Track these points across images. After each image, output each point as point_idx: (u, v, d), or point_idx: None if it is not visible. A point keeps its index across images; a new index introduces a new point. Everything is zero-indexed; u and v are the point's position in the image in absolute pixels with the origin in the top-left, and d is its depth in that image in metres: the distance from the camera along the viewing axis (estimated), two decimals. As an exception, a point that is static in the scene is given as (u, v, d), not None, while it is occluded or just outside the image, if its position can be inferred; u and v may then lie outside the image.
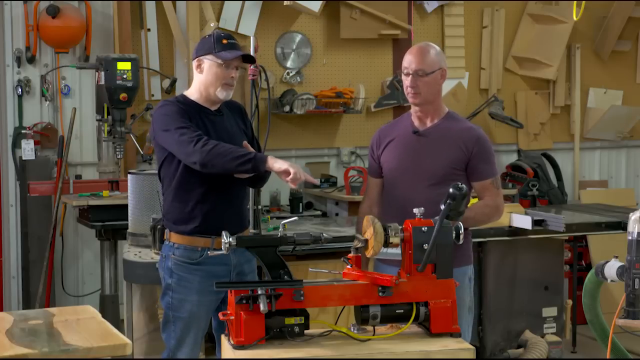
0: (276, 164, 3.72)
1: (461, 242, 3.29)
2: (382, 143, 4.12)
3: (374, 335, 3.26)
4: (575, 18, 6.28)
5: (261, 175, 3.94)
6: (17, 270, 6.58)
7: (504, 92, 7.59)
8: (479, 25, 7.57)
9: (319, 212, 6.76)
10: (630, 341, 3.93)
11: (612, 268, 3.25)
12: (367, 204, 4.22)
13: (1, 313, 3.47)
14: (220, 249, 3.34)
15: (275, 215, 6.37)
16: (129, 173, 4.95)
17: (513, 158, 7.74)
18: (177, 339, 3.96)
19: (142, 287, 4.76)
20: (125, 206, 5.00)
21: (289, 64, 7.10)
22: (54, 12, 6.31)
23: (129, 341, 3.04)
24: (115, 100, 5.81)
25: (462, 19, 7.46)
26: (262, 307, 3.09)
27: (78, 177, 6.51)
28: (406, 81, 4.00)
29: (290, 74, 7.07)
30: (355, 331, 3.26)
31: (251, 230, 4.72)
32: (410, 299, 3.25)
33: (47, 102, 6.54)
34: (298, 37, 7.11)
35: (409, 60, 4.00)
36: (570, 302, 5.78)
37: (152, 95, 6.75)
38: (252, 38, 4.89)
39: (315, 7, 6.78)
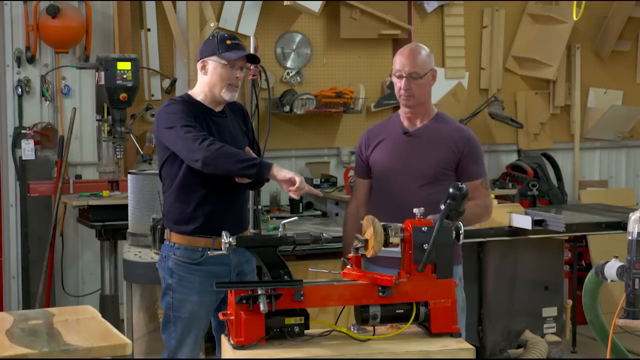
0: (281, 173, 3.71)
1: (461, 242, 3.29)
2: (371, 144, 4.13)
3: (374, 335, 3.26)
4: (575, 18, 6.28)
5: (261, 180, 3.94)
6: (17, 270, 6.58)
7: (504, 92, 7.59)
8: (479, 25, 7.57)
9: (319, 212, 6.76)
10: (630, 341, 3.93)
11: (612, 268, 3.25)
12: (355, 205, 4.23)
13: (1, 313, 3.47)
14: (221, 249, 3.34)
15: (275, 215, 6.37)
16: (129, 173, 4.96)
17: (513, 158, 7.74)
18: (177, 339, 3.96)
19: (142, 287, 4.76)
20: (125, 206, 5.00)
21: (289, 64, 7.10)
22: (54, 12, 6.31)
23: (129, 341, 3.05)
24: (115, 100, 5.81)
25: (462, 19, 7.45)
26: (262, 307, 3.09)
27: (78, 177, 6.51)
28: (399, 83, 4.00)
29: (290, 74, 7.07)
30: (355, 331, 3.26)
31: (251, 230, 4.72)
32: (410, 299, 3.25)
33: (47, 102, 6.54)
34: (298, 37, 7.11)
35: (401, 63, 4.00)
36: (570, 302, 5.79)
37: (152, 95, 6.74)
38: (252, 38, 4.90)
39: (315, 7, 6.78)
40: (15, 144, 6.50)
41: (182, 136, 3.78)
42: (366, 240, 3.27)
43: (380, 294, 3.22)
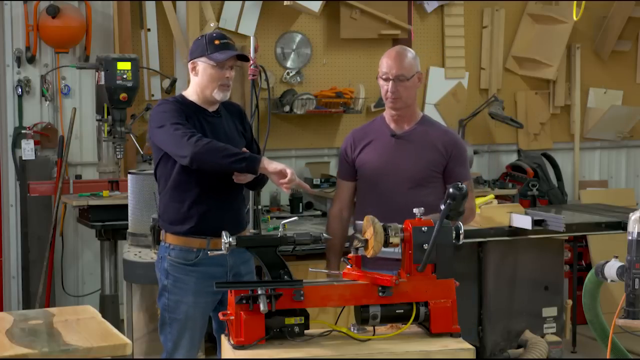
0: (271, 165, 3.70)
1: (461, 242, 3.30)
2: (357, 146, 4.14)
3: (374, 335, 3.26)
4: (575, 18, 6.28)
5: (260, 178, 3.93)
6: (17, 270, 6.58)
7: (504, 92, 7.59)
8: (479, 25, 7.57)
9: (319, 212, 6.76)
10: (630, 341, 3.93)
11: (612, 268, 3.25)
12: (338, 207, 4.24)
13: (1, 313, 3.47)
14: (219, 249, 3.34)
15: (275, 215, 6.37)
16: (129, 173, 4.95)
17: (513, 158, 7.74)
18: (173, 341, 3.95)
19: (142, 287, 4.76)
20: (125, 206, 5.00)
21: (289, 64, 7.10)
22: (54, 12, 6.31)
23: (129, 341, 3.05)
24: (115, 100, 5.81)
25: (462, 19, 7.45)
26: (262, 307, 3.10)
27: (78, 177, 6.51)
28: (385, 86, 4.02)
29: (290, 74, 7.07)
30: (355, 331, 3.26)
31: (251, 230, 4.72)
32: (410, 299, 3.25)
33: (47, 102, 6.54)
34: (298, 37, 7.11)
35: (388, 66, 4.02)
36: (570, 302, 5.78)
37: (152, 95, 6.74)
38: (252, 38, 4.90)
39: (315, 7, 6.78)
40: (15, 144, 6.50)
41: (171, 133, 3.77)
42: (366, 240, 3.27)
43: (380, 294, 3.23)
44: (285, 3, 6.67)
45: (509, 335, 5.54)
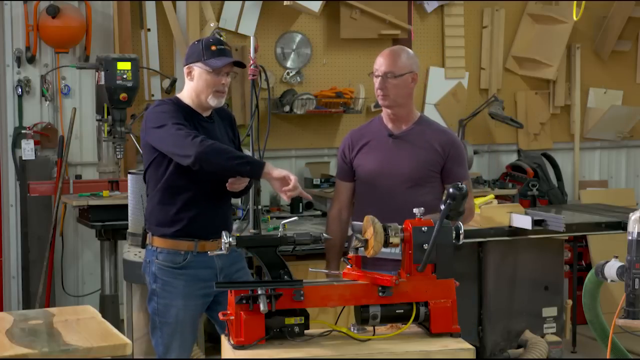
0: (275, 171, 3.66)
1: (461, 242, 3.30)
2: (355, 146, 4.14)
3: (374, 335, 3.26)
4: (575, 18, 6.29)
5: (247, 186, 3.92)
6: (17, 270, 6.58)
7: (504, 92, 7.59)
8: (479, 25, 7.57)
9: (319, 212, 6.75)
10: (630, 341, 3.93)
11: (612, 268, 3.25)
12: (337, 208, 4.24)
13: (1, 313, 3.47)
14: (213, 250, 3.33)
15: (275, 215, 6.37)
16: (129, 173, 4.95)
17: (513, 158, 7.74)
18: (164, 344, 3.93)
19: (142, 287, 4.75)
20: (125, 206, 5.00)
21: (289, 64, 7.10)
22: (54, 12, 6.31)
23: (129, 341, 3.05)
24: (115, 100, 5.81)
25: (462, 19, 7.46)
26: (262, 307, 3.09)
27: (78, 177, 6.51)
28: (376, 83, 4.03)
29: (290, 74, 7.07)
30: (355, 331, 3.26)
31: (251, 230, 4.71)
32: (410, 299, 3.25)
33: (47, 102, 6.54)
34: (298, 37, 7.11)
35: (379, 63, 4.04)
36: (570, 302, 5.78)
37: (152, 95, 6.74)
38: (252, 38, 4.89)
39: (315, 7, 6.78)
40: (15, 144, 6.50)
41: (173, 133, 3.73)
42: (366, 240, 3.27)
43: (380, 294, 3.22)
44: (285, 3, 6.67)
45: (509, 335, 5.54)
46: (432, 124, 4.18)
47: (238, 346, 3.13)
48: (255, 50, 4.79)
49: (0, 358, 2.84)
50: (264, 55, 6.90)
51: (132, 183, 4.87)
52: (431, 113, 7.13)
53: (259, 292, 3.11)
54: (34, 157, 6.41)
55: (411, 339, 3.24)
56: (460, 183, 3.30)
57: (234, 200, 4.25)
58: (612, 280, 3.27)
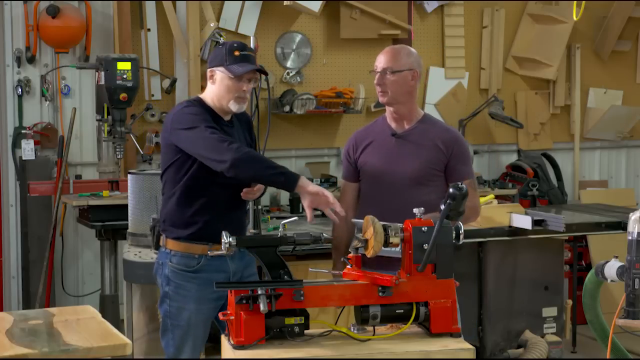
0: (310, 185, 3.65)
1: (461, 242, 3.29)
2: (359, 146, 4.13)
3: (374, 335, 3.26)
4: (575, 18, 6.29)
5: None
6: (17, 270, 6.58)
7: (504, 92, 7.59)
8: (479, 25, 7.57)
9: (319, 212, 6.73)
10: (630, 341, 3.93)
11: (612, 268, 3.25)
12: (343, 209, 4.22)
13: (1, 313, 3.47)
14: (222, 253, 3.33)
15: (275, 215, 6.37)
16: (129, 173, 4.95)
17: (513, 158, 7.74)
18: (175, 346, 3.92)
19: (142, 287, 4.76)
20: (125, 206, 5.00)
21: (289, 64, 7.10)
22: (54, 12, 6.31)
23: (129, 341, 3.05)
24: (115, 100, 5.81)
25: (462, 19, 7.46)
26: (262, 307, 3.09)
27: (78, 177, 6.51)
28: (375, 79, 4.02)
29: (290, 74, 7.07)
30: (355, 331, 3.26)
31: (251, 230, 4.72)
32: (410, 299, 3.25)
33: (47, 102, 6.54)
34: (298, 37, 7.11)
35: (379, 60, 4.03)
36: (570, 302, 5.79)
37: (152, 95, 6.75)
38: (252, 38, 4.90)
39: (315, 7, 6.78)
40: (15, 144, 6.50)
41: (206, 136, 3.69)
42: (366, 240, 3.27)
43: (380, 294, 3.22)
44: (285, 3, 6.67)
45: (509, 335, 5.55)
46: (435, 122, 4.16)
47: (238, 346, 3.13)
48: (255, 50, 4.79)
49: (0, 358, 2.84)
50: (264, 55, 6.90)
51: (132, 183, 4.87)
52: (431, 113, 7.08)
53: (259, 292, 3.11)
54: (34, 157, 6.41)
55: (411, 339, 3.24)
56: (460, 183, 3.29)
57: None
58: (612, 280, 3.27)
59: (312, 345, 3.16)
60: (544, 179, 7.51)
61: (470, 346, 3.20)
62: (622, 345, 3.58)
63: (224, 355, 3.29)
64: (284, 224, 3.36)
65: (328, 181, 6.88)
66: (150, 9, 6.71)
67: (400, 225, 3.26)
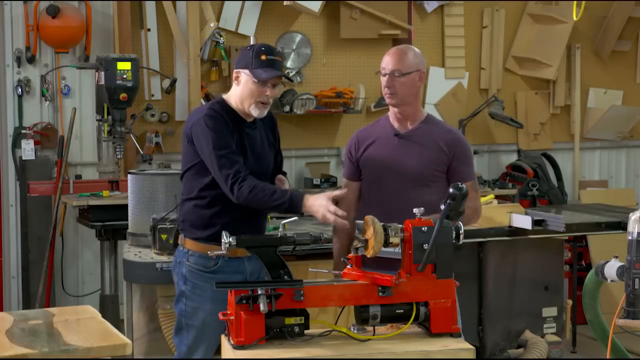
0: (315, 203, 3.65)
1: (461, 242, 3.29)
2: (361, 146, 4.12)
3: (374, 335, 3.26)
4: (575, 18, 6.28)
5: None
6: (17, 270, 6.58)
7: (504, 92, 7.59)
8: (479, 25, 7.57)
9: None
10: (630, 341, 3.93)
11: (612, 268, 3.25)
12: (345, 208, 4.22)
13: (1, 313, 3.47)
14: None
15: (275, 215, 6.35)
16: (129, 173, 4.95)
17: (513, 158, 7.74)
18: (188, 346, 3.92)
19: (142, 287, 4.76)
20: (125, 206, 5.00)
21: (289, 64, 7.10)
22: (54, 12, 6.31)
23: (129, 341, 3.05)
24: (115, 100, 5.82)
25: (462, 19, 7.46)
26: (262, 307, 3.09)
27: (78, 177, 6.51)
28: (383, 82, 4.01)
29: (290, 74, 7.07)
30: (355, 331, 3.26)
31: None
32: (410, 299, 3.25)
33: (47, 102, 6.54)
34: (298, 37, 7.11)
35: (386, 61, 4.01)
36: (570, 302, 5.78)
37: (152, 95, 6.75)
38: (252, 38, 4.90)
39: (315, 7, 6.78)
40: (15, 144, 6.50)
41: (217, 165, 3.75)
42: (366, 240, 3.27)
43: (380, 294, 3.22)
44: (285, 3, 6.68)
45: (509, 335, 5.54)
46: (438, 123, 4.16)
47: (238, 346, 3.13)
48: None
49: (0, 358, 2.84)
50: (264, 55, 6.88)
51: (132, 183, 4.87)
52: (431, 113, 7.12)
53: (259, 292, 3.11)
54: (34, 157, 6.41)
55: (411, 339, 3.24)
56: (460, 183, 3.29)
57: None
58: (612, 280, 3.27)
59: (312, 345, 3.16)
60: (544, 179, 7.51)
61: (470, 346, 3.20)
62: (622, 345, 3.58)
63: (224, 355, 3.29)
64: (284, 224, 3.36)
65: (328, 181, 6.88)
66: (150, 9, 6.71)
67: (400, 225, 3.26)
